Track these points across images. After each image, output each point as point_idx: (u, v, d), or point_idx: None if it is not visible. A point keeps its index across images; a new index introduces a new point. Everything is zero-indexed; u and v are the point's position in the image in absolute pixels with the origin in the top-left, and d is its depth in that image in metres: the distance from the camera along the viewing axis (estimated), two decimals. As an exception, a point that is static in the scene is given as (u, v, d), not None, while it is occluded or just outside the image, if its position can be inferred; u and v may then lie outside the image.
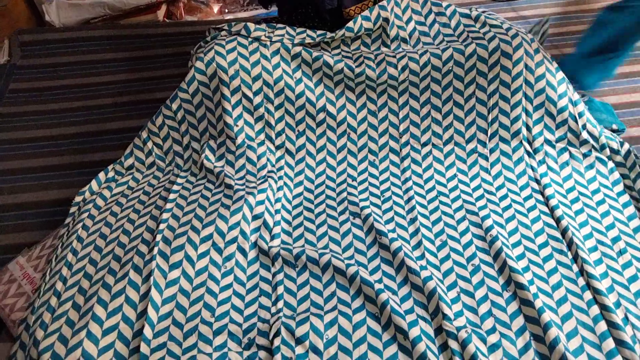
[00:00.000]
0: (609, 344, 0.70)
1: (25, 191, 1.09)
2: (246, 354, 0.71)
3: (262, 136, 1.01)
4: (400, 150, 1.01)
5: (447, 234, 0.85)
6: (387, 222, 0.88)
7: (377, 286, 0.77)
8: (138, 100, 1.34)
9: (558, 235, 0.83)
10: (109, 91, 1.37)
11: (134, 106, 1.32)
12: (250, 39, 1.02)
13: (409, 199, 0.91)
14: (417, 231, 0.86)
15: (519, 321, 0.73)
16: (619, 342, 0.70)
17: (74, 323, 0.74)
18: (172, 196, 0.93)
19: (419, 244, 0.85)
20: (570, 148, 0.99)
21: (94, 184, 1.00)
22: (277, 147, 1.01)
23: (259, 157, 0.99)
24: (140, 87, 1.38)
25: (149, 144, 1.05)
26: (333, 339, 0.72)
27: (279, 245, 0.84)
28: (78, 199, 0.97)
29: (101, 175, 1.02)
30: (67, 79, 1.41)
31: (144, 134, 1.06)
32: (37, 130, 1.25)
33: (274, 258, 0.83)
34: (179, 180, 0.97)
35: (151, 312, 0.75)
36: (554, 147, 0.99)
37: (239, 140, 1.00)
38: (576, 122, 0.99)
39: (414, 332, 0.72)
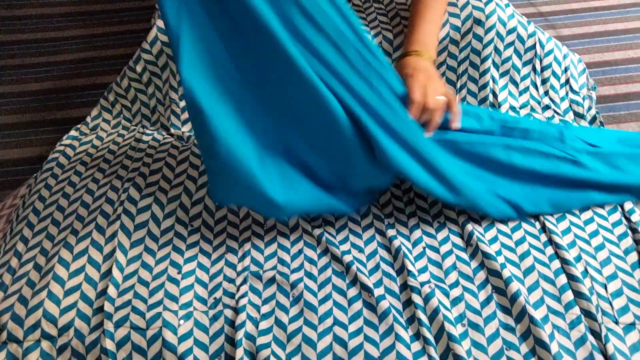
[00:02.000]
0: (568, 295, 0.72)
1: (-16, 150, 1.06)
2: (212, 312, 0.71)
3: None
4: None
5: (415, 192, 0.86)
6: None
7: (343, 247, 0.78)
8: (102, 56, 1.29)
9: None
10: (72, 46, 1.32)
11: (98, 62, 1.27)
12: None
13: None
14: (385, 191, 0.86)
15: (482, 275, 0.75)
16: (578, 294, 0.72)
17: (35, 284, 0.73)
18: (138, 155, 0.91)
19: (388, 202, 0.85)
20: (533, 114, 1.00)
21: (58, 146, 0.97)
22: None
23: None
24: (104, 43, 1.33)
25: (118, 106, 1.02)
26: (299, 296, 0.73)
27: None
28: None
29: (64, 138, 0.99)
30: (27, 33, 1.35)
31: (111, 97, 1.02)
32: (-4, 87, 1.20)
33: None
34: (144, 138, 0.95)
35: (115, 272, 0.74)
36: (518, 113, 1.00)
37: None
38: (537, 89, 1.00)
39: (378, 291, 0.73)
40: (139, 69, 0.98)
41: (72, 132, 0.99)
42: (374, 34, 0.98)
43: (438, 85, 0.84)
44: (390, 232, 0.79)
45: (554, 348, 0.66)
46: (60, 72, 1.24)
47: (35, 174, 0.93)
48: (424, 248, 0.79)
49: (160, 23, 0.95)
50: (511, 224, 0.81)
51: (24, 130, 1.10)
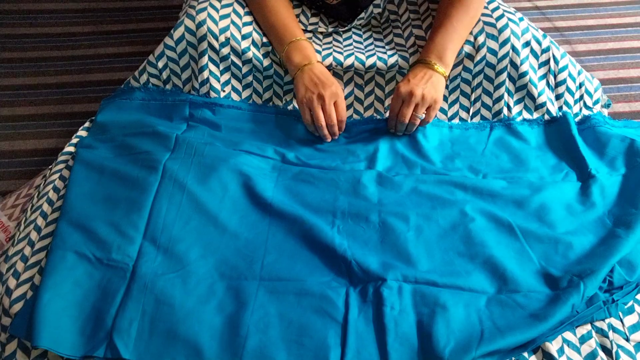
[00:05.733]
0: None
1: (1, 140, 1.07)
2: None
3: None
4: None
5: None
6: None
7: None
8: (120, 52, 1.30)
9: None
10: (90, 42, 1.33)
11: (115, 58, 1.29)
12: (246, 10, 0.98)
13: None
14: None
15: None
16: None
17: (47, 273, 0.73)
18: None
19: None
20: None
21: (74, 138, 0.98)
22: None
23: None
24: (122, 40, 1.34)
25: None
26: None
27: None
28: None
29: (80, 129, 0.99)
30: (47, 27, 1.37)
31: None
32: (15, 79, 1.21)
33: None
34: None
35: None
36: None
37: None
38: (553, 104, 1.00)
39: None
40: (160, 64, 0.98)
41: (87, 124, 1.00)
42: (391, 54, 0.99)
43: (421, 103, 0.90)
44: None
45: (563, 362, 0.66)
46: (78, 66, 1.26)
47: (50, 165, 0.94)
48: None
49: (188, 23, 0.95)
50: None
51: (41, 122, 1.11)
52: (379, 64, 0.98)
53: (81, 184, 0.83)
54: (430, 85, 0.90)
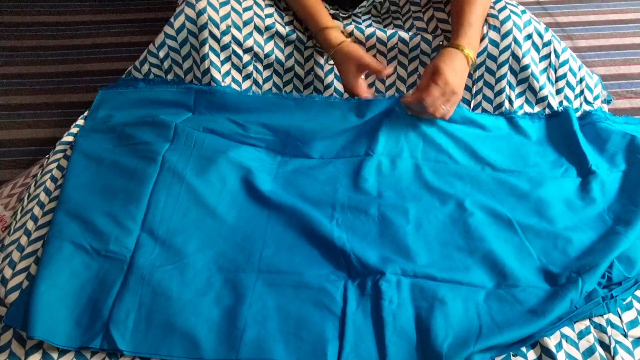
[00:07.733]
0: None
1: (-3, 129, 1.06)
2: None
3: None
4: None
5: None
6: None
7: None
8: (119, 42, 1.29)
9: None
10: (89, 31, 1.32)
11: (114, 48, 1.28)
12: None
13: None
14: None
15: None
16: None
17: (43, 262, 0.73)
18: None
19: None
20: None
21: (72, 128, 0.97)
22: None
23: None
24: (121, 29, 1.33)
25: None
26: None
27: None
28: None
29: (79, 119, 0.99)
30: (44, 15, 1.36)
31: None
32: (12, 67, 1.20)
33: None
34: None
35: None
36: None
37: None
38: (554, 98, 1.00)
39: None
40: (161, 54, 0.97)
41: (86, 114, 0.99)
42: (408, 29, 1.00)
43: (452, 100, 0.88)
44: None
45: (561, 357, 0.66)
46: (76, 55, 1.25)
47: (47, 155, 0.93)
48: None
49: (188, 11, 0.93)
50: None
51: (38, 111, 1.10)
52: (379, 33, 0.97)
53: (79, 174, 0.83)
54: (452, 91, 0.88)
